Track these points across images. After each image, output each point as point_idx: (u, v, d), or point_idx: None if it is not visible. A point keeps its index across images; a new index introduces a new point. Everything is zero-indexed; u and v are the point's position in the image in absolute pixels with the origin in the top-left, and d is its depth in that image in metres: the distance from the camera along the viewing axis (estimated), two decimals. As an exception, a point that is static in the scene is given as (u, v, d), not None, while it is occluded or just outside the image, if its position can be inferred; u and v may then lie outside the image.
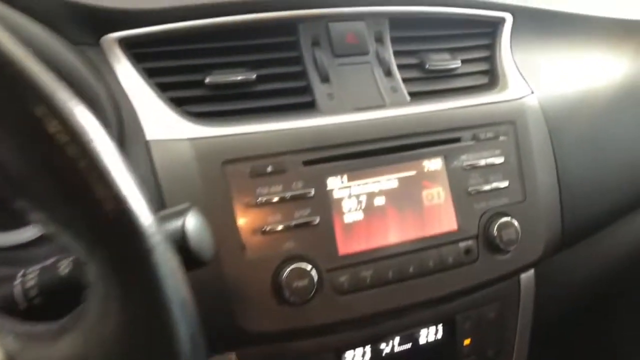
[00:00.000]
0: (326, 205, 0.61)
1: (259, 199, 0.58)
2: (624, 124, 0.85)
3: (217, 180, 0.57)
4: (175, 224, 0.42)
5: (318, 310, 0.59)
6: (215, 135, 0.58)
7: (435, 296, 0.66)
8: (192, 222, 0.43)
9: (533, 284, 0.79)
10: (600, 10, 0.92)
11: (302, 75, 0.66)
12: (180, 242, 0.41)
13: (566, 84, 0.82)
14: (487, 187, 0.69)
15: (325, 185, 0.61)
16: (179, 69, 0.62)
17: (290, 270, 0.58)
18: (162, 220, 0.42)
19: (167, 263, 0.30)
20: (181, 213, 0.43)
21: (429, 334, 0.72)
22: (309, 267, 0.58)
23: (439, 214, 0.66)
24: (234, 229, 0.57)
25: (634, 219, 0.90)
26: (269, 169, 0.59)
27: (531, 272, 0.79)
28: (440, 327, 0.73)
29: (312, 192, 0.60)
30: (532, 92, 0.76)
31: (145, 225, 0.29)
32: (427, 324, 0.72)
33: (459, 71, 0.75)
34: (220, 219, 0.57)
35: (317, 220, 0.60)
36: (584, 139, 0.80)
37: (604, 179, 0.80)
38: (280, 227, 0.59)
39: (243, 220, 0.58)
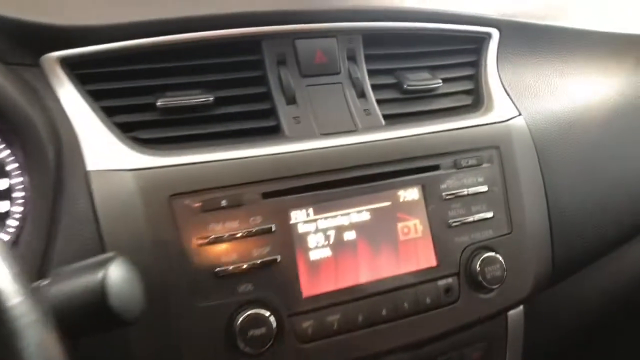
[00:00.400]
0: (289, 241, 0.55)
1: (212, 236, 0.52)
2: (621, 148, 0.79)
3: (163, 217, 0.51)
4: (93, 278, 0.36)
5: None
6: (162, 165, 0.53)
7: (410, 341, 0.59)
8: (114, 276, 0.37)
9: (522, 321, 0.73)
10: (596, 24, 0.87)
11: (266, 97, 0.61)
12: (96, 301, 0.35)
13: (558, 105, 0.76)
14: (469, 219, 0.63)
15: (288, 220, 0.56)
16: (127, 91, 0.56)
17: (246, 317, 0.51)
18: (77, 273, 0.36)
19: (37, 349, 0.24)
20: (102, 264, 0.37)
21: (406, 380, 0.66)
22: (267, 313, 0.52)
23: (415, 249, 0.60)
24: (183, 272, 0.51)
25: (632, 249, 0.84)
26: (224, 202, 0.53)
27: (519, 308, 0.73)
28: (419, 371, 0.66)
29: (273, 227, 0.54)
30: (520, 114, 0.71)
31: (6, 306, 0.23)
32: (404, 370, 0.65)
33: (440, 91, 0.69)
34: (166, 261, 0.51)
35: (279, 259, 0.54)
36: (577, 165, 0.74)
37: (599, 209, 0.74)
38: (235, 269, 0.53)
39: (193, 262, 0.52)
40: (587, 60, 0.83)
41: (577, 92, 0.79)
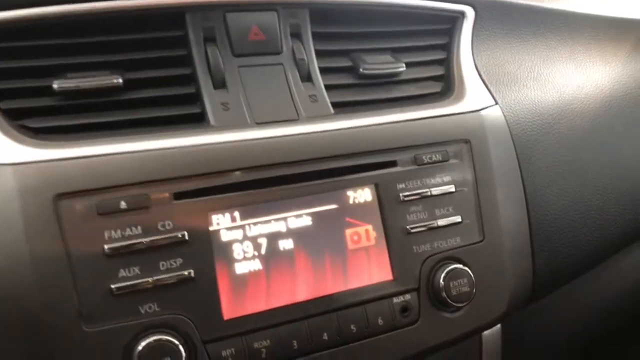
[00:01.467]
0: (207, 252, 0.46)
1: (108, 246, 0.43)
2: (612, 144, 0.70)
3: (46, 221, 0.42)
4: None
5: None
6: (48, 158, 0.43)
7: (358, 373, 0.50)
8: None
9: (499, 343, 0.64)
10: (587, 6, 0.78)
11: (190, 79, 0.51)
12: None
13: (541, 95, 0.67)
14: (432, 225, 0.53)
15: (208, 225, 0.46)
16: (18, 71, 0.47)
17: (147, 344, 0.42)
18: None
19: None
20: None
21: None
22: (175, 340, 0.43)
23: (367, 259, 0.51)
24: (70, 289, 0.42)
25: (629, 258, 0.75)
26: (123, 204, 0.43)
27: (496, 327, 0.63)
28: (375, 402, 0.57)
29: (187, 235, 0.45)
30: (496, 103, 0.61)
31: None
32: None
33: (404, 77, 0.60)
34: (49, 276, 0.41)
35: (192, 273, 0.45)
36: (562, 164, 0.65)
37: (586, 214, 0.65)
38: (136, 285, 0.43)
39: (83, 278, 0.42)
40: (575, 47, 0.73)
41: (563, 81, 0.69)
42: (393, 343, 0.51)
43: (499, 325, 0.63)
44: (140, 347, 0.42)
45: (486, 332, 0.62)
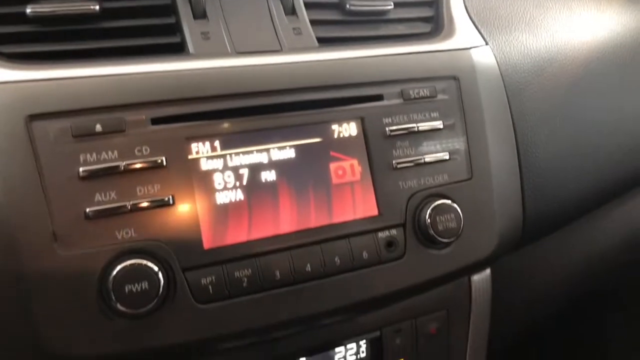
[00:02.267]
0: (186, 180, 0.45)
1: (82, 169, 0.42)
2: (606, 92, 0.69)
3: (19, 142, 0.41)
4: None
5: (168, 326, 0.43)
6: (21, 79, 0.42)
7: (341, 305, 0.49)
8: None
9: (489, 288, 0.63)
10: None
11: (169, 10, 0.50)
12: None
13: (533, 39, 0.65)
14: (419, 160, 0.52)
15: (187, 153, 0.45)
16: None
17: (123, 268, 0.41)
18: None
19: None
20: None
21: (347, 355, 0.55)
22: (154, 266, 0.42)
23: (352, 194, 0.50)
24: (43, 213, 0.40)
25: (619, 206, 0.74)
26: (98, 127, 0.42)
27: (486, 273, 0.62)
28: (362, 344, 0.56)
29: (164, 160, 0.44)
30: (487, 44, 0.60)
31: None
32: (343, 341, 0.55)
33: (392, 16, 0.58)
34: (22, 199, 0.40)
35: (171, 200, 0.44)
36: (555, 108, 0.64)
37: (580, 159, 0.65)
38: (112, 210, 0.42)
39: (57, 201, 0.41)
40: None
41: (556, 27, 0.68)
42: (378, 277, 0.50)
43: (488, 272, 0.62)
44: (115, 271, 0.41)
45: (475, 278, 0.61)
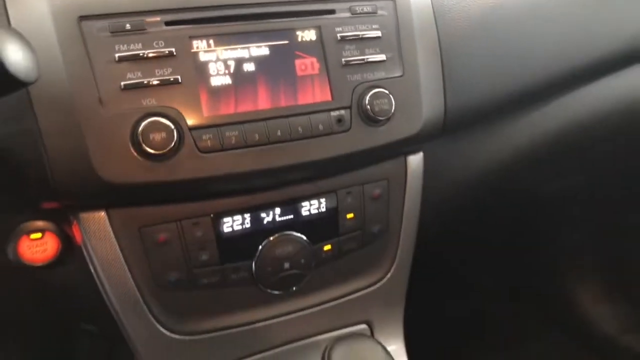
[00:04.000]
0: (190, 66, 0.62)
1: (117, 55, 0.59)
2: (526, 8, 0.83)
3: (73, 36, 0.58)
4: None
5: (180, 166, 0.61)
6: (74, -10, 0.59)
7: (304, 161, 0.67)
8: (5, 41, 0.44)
9: (421, 168, 0.82)
10: None
11: None
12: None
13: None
14: (362, 60, 0.70)
15: (190, 47, 0.62)
16: None
17: (148, 122, 0.59)
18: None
19: None
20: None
21: (311, 207, 0.75)
22: (169, 122, 0.60)
23: (312, 84, 0.68)
24: (92, 86, 0.58)
25: (532, 114, 0.92)
26: (127, 26, 0.60)
27: (419, 155, 0.81)
28: (322, 200, 0.75)
29: (175, 51, 0.61)
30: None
31: None
32: (308, 198, 0.74)
33: None
34: (78, 75, 0.58)
35: (180, 79, 0.62)
36: (475, 18, 0.78)
37: (493, 65, 0.81)
38: (139, 83, 0.60)
39: (101, 76, 0.59)
40: None
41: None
42: (330, 143, 0.68)
43: (421, 155, 0.81)
44: (143, 125, 0.59)
45: (410, 157, 0.79)
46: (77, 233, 0.66)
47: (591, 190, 1.29)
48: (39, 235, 0.66)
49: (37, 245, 0.66)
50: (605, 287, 1.62)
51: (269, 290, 0.75)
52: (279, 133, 0.65)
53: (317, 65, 0.68)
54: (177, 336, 0.72)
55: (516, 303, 1.70)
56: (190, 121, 0.62)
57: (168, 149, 0.60)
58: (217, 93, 0.64)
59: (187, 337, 0.73)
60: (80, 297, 0.74)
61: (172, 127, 0.60)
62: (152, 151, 0.59)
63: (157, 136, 0.59)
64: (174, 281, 0.69)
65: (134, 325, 0.70)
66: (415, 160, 0.81)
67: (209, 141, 0.62)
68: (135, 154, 0.60)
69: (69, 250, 0.68)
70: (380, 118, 0.69)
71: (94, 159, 0.59)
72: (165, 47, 0.61)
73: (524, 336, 1.64)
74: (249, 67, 0.65)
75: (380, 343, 0.58)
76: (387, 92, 0.70)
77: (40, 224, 0.66)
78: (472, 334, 1.59)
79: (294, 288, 0.76)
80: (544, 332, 1.68)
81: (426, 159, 0.82)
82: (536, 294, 1.68)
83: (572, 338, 1.67)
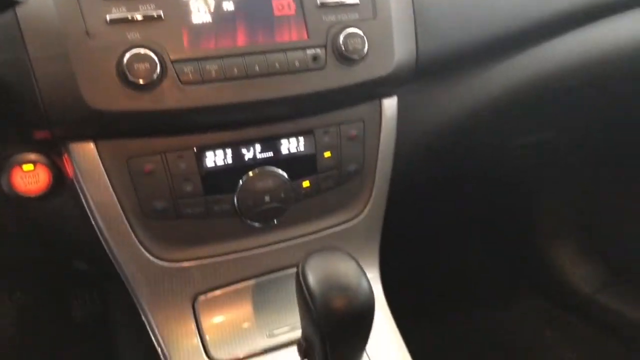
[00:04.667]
0: (173, 2, 0.66)
1: None
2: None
3: None
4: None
5: (162, 96, 0.65)
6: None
7: (281, 95, 0.71)
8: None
9: (395, 111, 0.86)
10: None
11: None
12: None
13: None
14: (337, 2, 0.74)
15: None
16: None
17: (132, 54, 0.63)
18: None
19: None
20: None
21: (290, 145, 0.79)
22: (152, 53, 0.64)
23: (288, 23, 0.72)
24: (79, 17, 0.62)
25: (506, 64, 0.96)
26: None
27: (394, 99, 0.85)
28: (301, 139, 0.79)
29: None
30: None
31: None
32: (287, 136, 0.78)
33: None
34: (65, 8, 0.62)
35: (162, 15, 0.65)
36: None
37: (464, 12, 0.85)
38: (124, 18, 0.64)
39: (87, 10, 0.63)
40: None
41: None
42: (306, 79, 0.72)
43: (395, 99, 0.85)
44: (128, 55, 0.63)
45: (385, 100, 0.84)
46: (67, 164, 0.70)
47: (566, 146, 1.35)
48: (31, 167, 0.70)
49: (30, 177, 0.70)
50: (580, 247, 1.69)
51: (250, 222, 0.79)
52: (256, 68, 0.70)
53: (293, 6, 0.72)
54: (164, 263, 0.76)
55: (493, 258, 1.76)
56: (173, 55, 0.66)
57: (151, 79, 0.64)
58: (198, 29, 0.67)
59: (173, 264, 0.77)
60: (71, 231, 0.78)
61: (155, 58, 0.64)
62: (136, 80, 0.63)
63: (141, 66, 0.63)
64: (160, 210, 0.73)
65: (122, 253, 0.74)
66: (390, 104, 0.85)
67: (190, 74, 0.66)
68: (120, 83, 0.64)
69: (61, 182, 0.72)
70: (354, 57, 0.73)
71: (82, 88, 0.63)
72: (148, -17, 0.65)
73: (500, 295, 1.71)
74: (229, 6, 0.69)
75: (353, 257, 0.63)
76: (360, 32, 0.74)
77: (32, 156, 0.70)
78: (449, 289, 1.65)
79: (275, 221, 0.81)
80: (522, 295, 1.75)
81: (400, 104, 0.86)
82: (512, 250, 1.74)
83: (549, 299, 1.74)
